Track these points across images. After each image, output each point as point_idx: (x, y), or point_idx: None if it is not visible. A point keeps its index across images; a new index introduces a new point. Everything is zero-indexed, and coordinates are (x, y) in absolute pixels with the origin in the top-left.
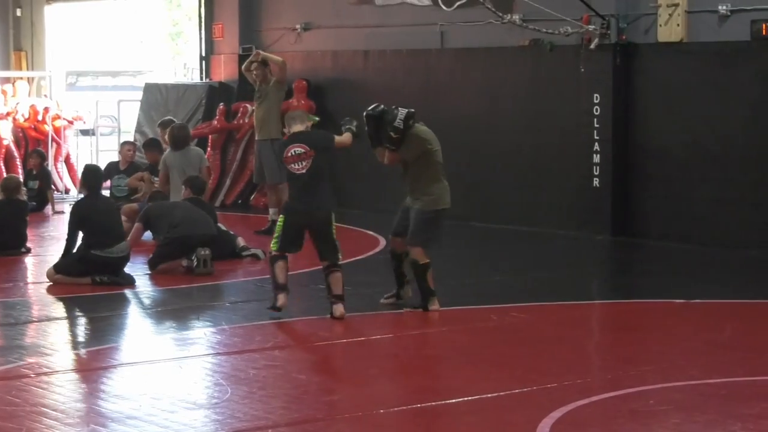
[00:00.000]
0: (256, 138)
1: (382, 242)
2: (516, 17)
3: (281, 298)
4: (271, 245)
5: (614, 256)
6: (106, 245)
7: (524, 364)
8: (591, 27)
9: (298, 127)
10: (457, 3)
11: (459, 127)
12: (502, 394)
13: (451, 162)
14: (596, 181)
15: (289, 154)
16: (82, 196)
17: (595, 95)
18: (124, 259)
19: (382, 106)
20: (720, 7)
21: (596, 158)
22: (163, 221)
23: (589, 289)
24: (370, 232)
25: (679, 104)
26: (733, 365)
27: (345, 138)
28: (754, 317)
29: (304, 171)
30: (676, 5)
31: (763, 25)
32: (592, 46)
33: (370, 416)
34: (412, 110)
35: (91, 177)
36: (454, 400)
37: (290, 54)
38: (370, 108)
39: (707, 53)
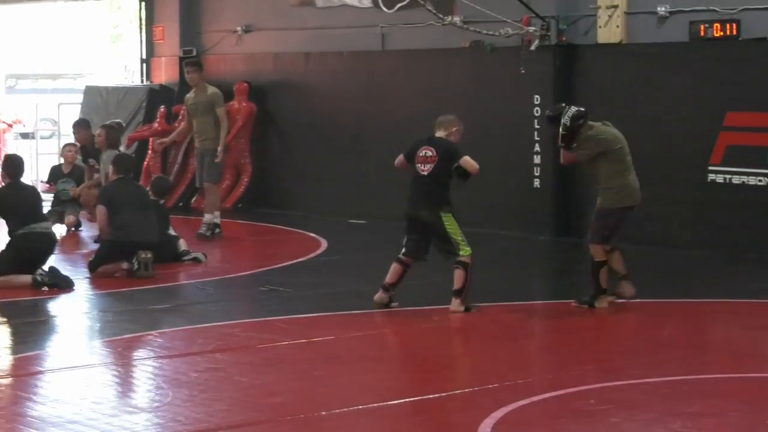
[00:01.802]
0: (197, 145)
1: (324, 244)
2: (456, 19)
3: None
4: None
5: (556, 256)
6: (29, 222)
7: (466, 364)
8: (531, 28)
9: (439, 133)
10: (398, 5)
11: (400, 128)
12: (443, 394)
13: (393, 163)
14: (537, 182)
15: (420, 155)
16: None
17: (536, 96)
18: (50, 239)
19: (563, 105)
20: (659, 9)
21: (537, 159)
22: (114, 207)
23: (530, 290)
24: (312, 234)
25: (618, 105)
26: (673, 364)
27: (474, 163)
28: (695, 316)
29: (426, 173)
30: (616, 7)
31: (702, 26)
32: (533, 47)
33: (312, 418)
34: (582, 110)
35: (12, 166)
36: (396, 401)
37: (231, 56)
38: (549, 110)
39: (646, 54)
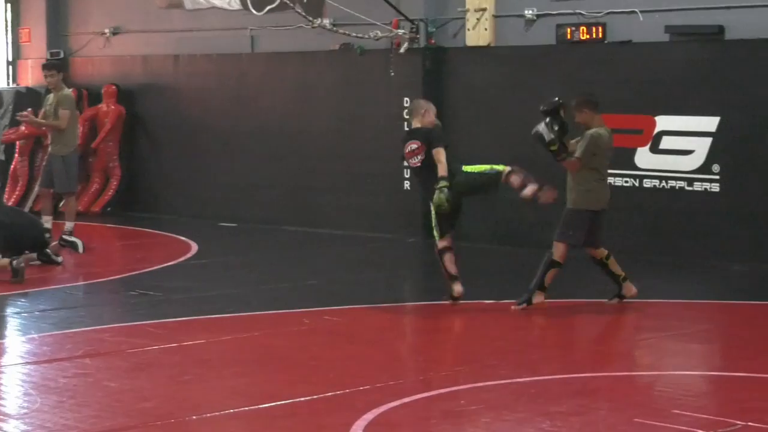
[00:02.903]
0: (49, 150)
1: (194, 248)
2: (326, 21)
3: (456, 288)
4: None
5: (426, 258)
6: None
7: (337, 367)
8: (400, 31)
9: (415, 123)
10: (268, 7)
11: (271, 131)
12: (315, 397)
13: (264, 166)
14: (407, 184)
15: (407, 150)
16: None
17: (405, 99)
18: None
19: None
20: (526, 12)
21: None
22: None
23: (402, 291)
24: (183, 238)
25: (487, 107)
26: (542, 363)
27: (441, 155)
28: (563, 316)
29: (418, 165)
30: (484, 10)
31: (568, 29)
32: (402, 50)
33: (183, 423)
34: (555, 125)
35: None
36: (267, 405)
37: (99, 59)
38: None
39: (514, 57)
